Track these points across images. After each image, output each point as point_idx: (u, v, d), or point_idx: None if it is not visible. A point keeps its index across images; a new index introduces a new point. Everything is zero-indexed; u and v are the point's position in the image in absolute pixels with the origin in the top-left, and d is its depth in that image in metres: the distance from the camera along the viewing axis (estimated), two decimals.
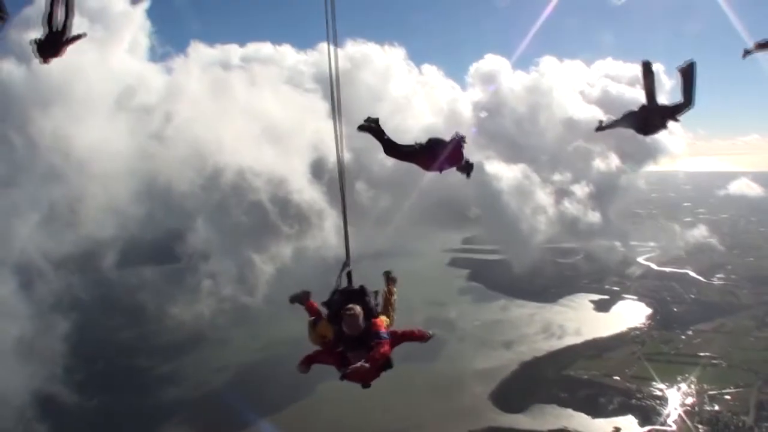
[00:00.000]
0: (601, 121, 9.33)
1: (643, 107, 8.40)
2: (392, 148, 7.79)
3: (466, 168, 7.92)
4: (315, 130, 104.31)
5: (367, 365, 6.48)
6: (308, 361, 7.04)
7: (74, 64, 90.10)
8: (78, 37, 7.72)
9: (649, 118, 8.42)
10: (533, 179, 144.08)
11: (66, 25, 7.51)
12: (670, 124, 8.30)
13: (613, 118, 8.99)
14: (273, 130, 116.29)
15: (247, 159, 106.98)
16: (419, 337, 7.28)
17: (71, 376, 72.63)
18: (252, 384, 75.97)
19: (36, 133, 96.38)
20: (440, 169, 7.88)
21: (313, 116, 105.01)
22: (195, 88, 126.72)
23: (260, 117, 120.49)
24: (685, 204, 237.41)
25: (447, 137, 7.83)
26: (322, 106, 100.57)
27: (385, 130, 7.70)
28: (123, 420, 66.96)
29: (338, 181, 8.23)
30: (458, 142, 7.68)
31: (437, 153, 7.71)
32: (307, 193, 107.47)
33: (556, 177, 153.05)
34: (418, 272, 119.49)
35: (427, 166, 7.86)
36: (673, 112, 8.21)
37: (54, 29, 7.44)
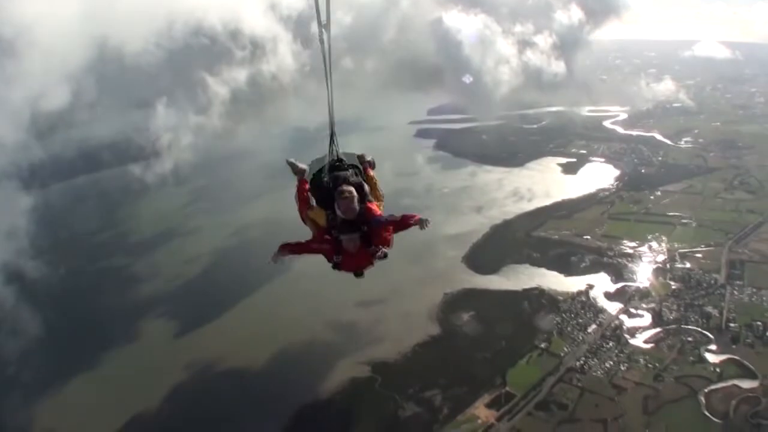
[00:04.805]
0: None
1: None
2: None
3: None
4: None
5: (386, 250, 6.73)
6: (286, 250, 6.78)
7: None
8: None
9: None
10: (494, 29, 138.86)
11: None
12: None
13: None
14: None
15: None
16: (416, 223, 6.90)
17: (37, 251, 70.53)
18: (226, 269, 73.08)
19: None
20: None
21: None
22: None
23: None
24: (651, 70, 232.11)
25: None
26: None
27: None
28: (103, 315, 63.99)
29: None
30: None
31: None
32: (261, 20, 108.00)
33: (518, 28, 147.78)
34: (385, 145, 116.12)
35: None
36: None
37: None
